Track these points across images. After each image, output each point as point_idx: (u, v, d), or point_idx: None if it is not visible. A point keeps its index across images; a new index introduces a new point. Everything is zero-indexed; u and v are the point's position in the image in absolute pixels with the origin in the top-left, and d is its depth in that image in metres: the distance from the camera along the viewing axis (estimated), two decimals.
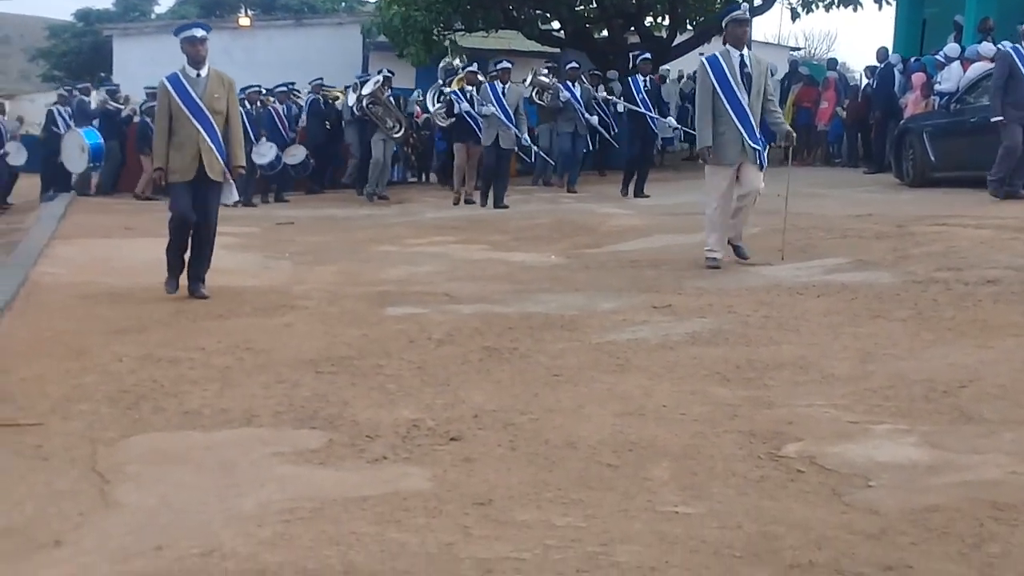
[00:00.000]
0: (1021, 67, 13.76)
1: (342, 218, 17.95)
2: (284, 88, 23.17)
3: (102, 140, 21.98)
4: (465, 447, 5.47)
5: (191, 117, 9.74)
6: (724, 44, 10.75)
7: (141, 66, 26.84)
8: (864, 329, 7.70)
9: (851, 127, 22.80)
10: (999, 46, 17.49)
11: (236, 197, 10.53)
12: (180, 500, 4.88)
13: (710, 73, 10.57)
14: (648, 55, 19.87)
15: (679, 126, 22.21)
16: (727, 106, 10.49)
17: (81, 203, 20.06)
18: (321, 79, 23.90)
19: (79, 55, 47.92)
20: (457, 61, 20.36)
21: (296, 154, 22.11)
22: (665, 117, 19.35)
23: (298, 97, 23.72)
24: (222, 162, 9.86)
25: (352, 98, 21.83)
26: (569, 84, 21.24)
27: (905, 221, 12.08)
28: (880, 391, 6.16)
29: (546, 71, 23.02)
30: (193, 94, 9.78)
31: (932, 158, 16.51)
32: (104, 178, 23.47)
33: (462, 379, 6.84)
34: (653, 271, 10.72)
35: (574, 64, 22.22)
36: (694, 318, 8.38)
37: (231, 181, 10.04)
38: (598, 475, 5.01)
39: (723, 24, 10.87)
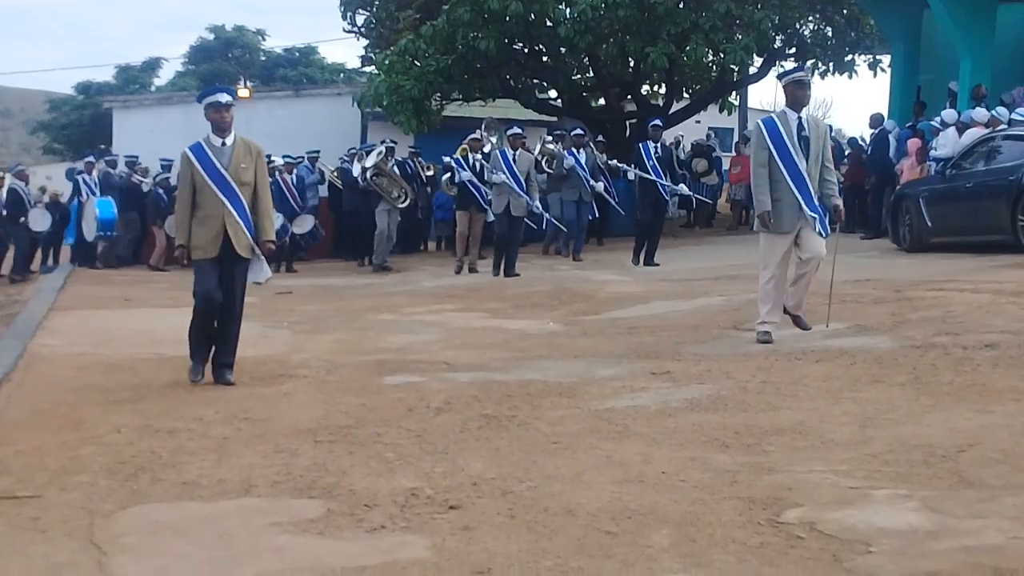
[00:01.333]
0: None
1: (341, 287, 17.99)
2: (291, 159, 23.26)
3: (115, 212, 22.23)
4: (464, 515, 5.44)
5: (216, 189, 9.02)
6: (784, 105, 10.34)
7: (140, 138, 27.02)
8: (863, 394, 7.70)
9: (848, 193, 22.87)
10: (992, 112, 17.67)
11: (268, 274, 9.55)
12: (177, 572, 4.86)
13: (766, 136, 10.03)
14: (659, 121, 19.73)
15: (691, 193, 21.89)
16: (784, 171, 9.95)
17: (80, 274, 20.11)
18: (361, 147, 23.90)
19: (79, 127, 48.25)
20: (487, 134, 20.26)
21: (303, 224, 22.17)
22: (677, 184, 19.11)
23: (299, 163, 23.79)
24: (250, 237, 9.12)
25: (357, 168, 21.84)
26: (574, 151, 21.14)
27: (903, 286, 12.11)
28: (880, 456, 6.15)
29: (551, 138, 23.05)
30: (218, 165, 9.05)
31: (928, 223, 16.58)
32: (122, 250, 23.68)
33: (460, 447, 6.82)
34: (651, 337, 10.72)
35: (579, 131, 22.19)
36: (693, 384, 8.38)
37: (261, 257, 9.30)
38: (597, 543, 4.98)
39: (782, 84, 10.38)
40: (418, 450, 6.78)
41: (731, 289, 13.53)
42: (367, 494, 5.86)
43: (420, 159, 24.84)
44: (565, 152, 21.18)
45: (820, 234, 10.02)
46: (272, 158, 22.15)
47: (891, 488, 5.57)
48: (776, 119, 10.15)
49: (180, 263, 9.17)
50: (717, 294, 13.32)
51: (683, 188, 20.00)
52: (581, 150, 21.34)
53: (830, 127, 11.56)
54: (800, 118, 10.06)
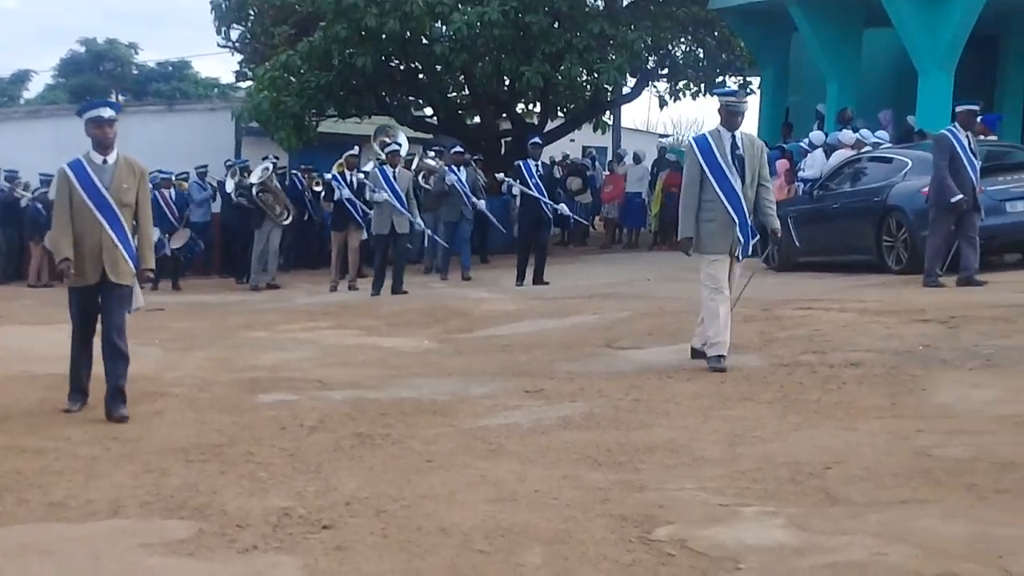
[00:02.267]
0: (960, 151, 13.18)
1: (214, 304, 17.80)
2: (169, 175, 22.82)
3: None
4: (337, 535, 5.43)
5: (94, 210, 8.34)
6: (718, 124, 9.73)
7: (9, 152, 26.29)
8: (733, 412, 7.82)
9: None
10: (858, 135, 18.08)
11: (140, 303, 8.83)
12: None
13: (698, 154, 9.56)
14: (538, 139, 19.60)
15: (571, 214, 21.31)
16: (718, 191, 9.45)
17: None
18: (235, 161, 23.53)
19: None
20: (388, 140, 19.92)
21: (179, 238, 21.84)
22: (557, 203, 18.60)
23: (183, 180, 23.52)
24: (131, 263, 8.48)
25: (230, 184, 21.55)
26: (454, 168, 20.91)
27: (771, 305, 12.30)
28: (748, 473, 6.25)
29: (433, 154, 22.87)
30: (98, 184, 8.36)
31: (796, 243, 16.86)
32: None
33: (334, 466, 6.79)
34: (525, 356, 10.77)
35: (459, 148, 22.01)
36: (566, 402, 8.44)
37: (136, 286, 8.69)
38: (470, 562, 4.99)
39: (719, 102, 9.77)
40: (291, 469, 6.75)
41: (604, 307, 13.64)
42: (239, 514, 5.81)
43: (314, 174, 24.51)
44: (447, 169, 20.93)
45: (737, 258, 9.68)
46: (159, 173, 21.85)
47: (759, 505, 5.67)
48: (709, 137, 9.70)
49: (67, 276, 8.46)
50: (591, 312, 13.42)
51: (564, 208, 19.61)
52: (462, 167, 21.14)
53: (765, 143, 10.96)
54: (735, 136, 9.60)
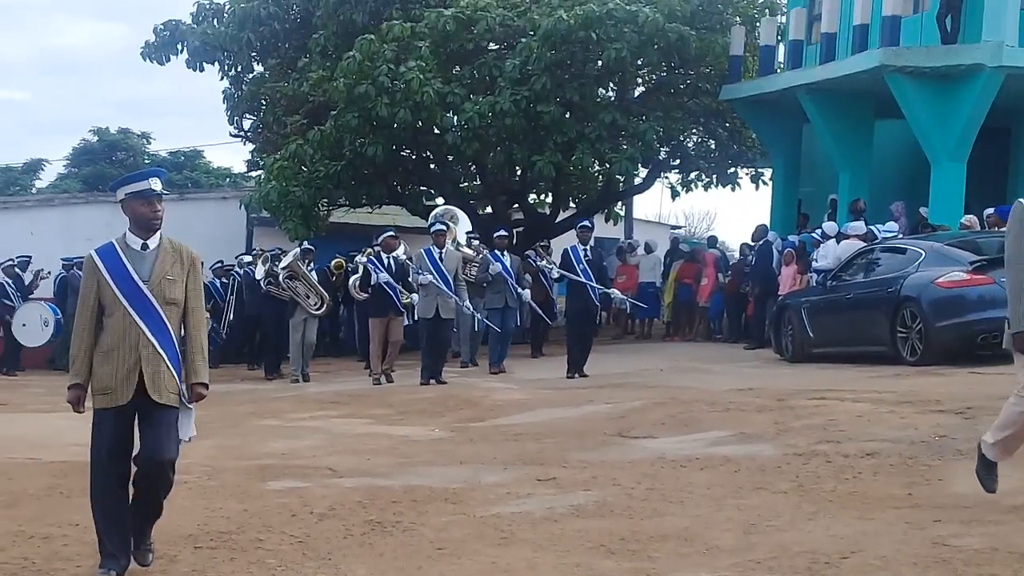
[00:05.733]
0: None
1: (222, 392, 17.71)
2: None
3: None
4: None
5: (129, 308, 6.39)
6: None
7: (20, 241, 26.39)
8: (747, 501, 7.75)
9: (731, 303, 23.18)
10: (872, 227, 18.15)
11: (192, 432, 6.65)
12: None
13: None
14: (587, 223, 18.63)
15: (626, 298, 20.39)
16: None
17: None
18: (268, 250, 23.21)
19: None
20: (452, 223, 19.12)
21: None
22: (608, 288, 18.00)
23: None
24: (177, 377, 6.46)
25: (260, 271, 20.91)
26: (498, 254, 19.75)
27: (785, 395, 12.24)
28: (764, 563, 6.18)
29: (477, 241, 21.88)
30: (134, 275, 6.46)
31: (810, 334, 16.83)
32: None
33: (344, 553, 6.74)
34: (537, 444, 10.70)
35: (503, 232, 21.11)
36: (579, 491, 8.37)
37: (190, 407, 6.57)
38: None
39: None
40: (301, 556, 6.70)
41: (616, 397, 13.57)
42: None
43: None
44: (490, 257, 19.74)
45: None
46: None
47: None
48: None
49: (76, 410, 6.49)
50: (603, 401, 13.34)
51: (616, 293, 19.05)
52: (505, 253, 20.08)
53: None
54: None
